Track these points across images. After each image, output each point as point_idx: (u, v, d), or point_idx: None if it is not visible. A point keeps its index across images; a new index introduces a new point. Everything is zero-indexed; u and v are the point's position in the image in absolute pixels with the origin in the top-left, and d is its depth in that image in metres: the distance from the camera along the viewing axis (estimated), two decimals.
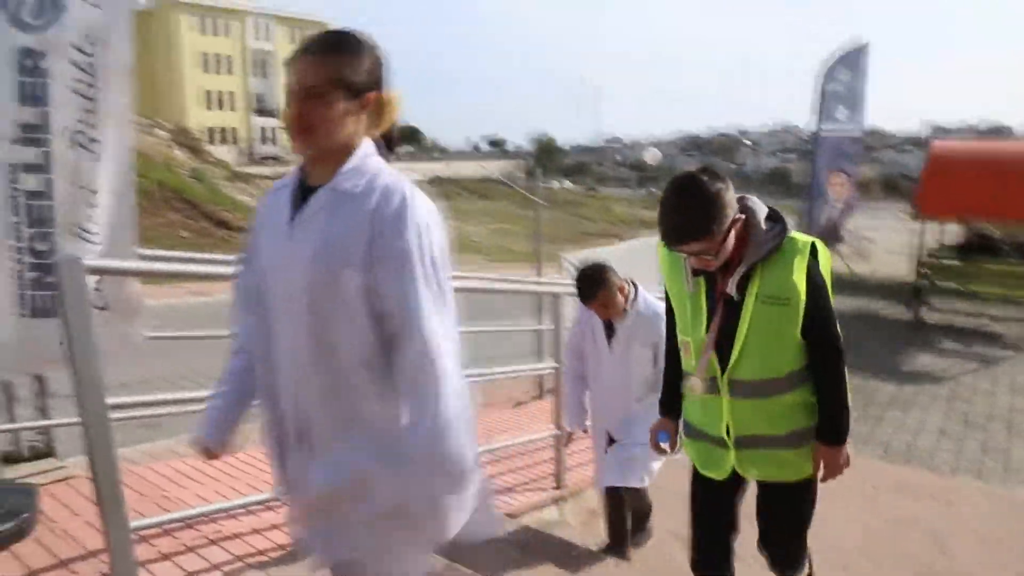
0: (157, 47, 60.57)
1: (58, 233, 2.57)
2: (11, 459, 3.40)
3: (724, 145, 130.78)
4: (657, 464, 3.37)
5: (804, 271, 2.11)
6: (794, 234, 2.16)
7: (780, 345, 2.15)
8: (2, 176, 2.47)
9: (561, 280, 6.72)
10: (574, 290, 3.35)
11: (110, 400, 2.19)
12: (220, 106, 62.37)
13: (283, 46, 65.03)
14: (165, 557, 2.71)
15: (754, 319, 2.14)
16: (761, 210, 2.18)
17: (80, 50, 2.55)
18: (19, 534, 2.68)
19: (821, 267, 2.15)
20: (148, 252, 4.78)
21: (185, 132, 33.86)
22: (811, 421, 2.22)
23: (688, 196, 2.03)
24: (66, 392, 2.30)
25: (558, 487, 4.37)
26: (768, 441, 2.23)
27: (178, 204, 24.14)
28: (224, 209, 25.74)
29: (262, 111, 64.68)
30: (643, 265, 9.94)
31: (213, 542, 2.87)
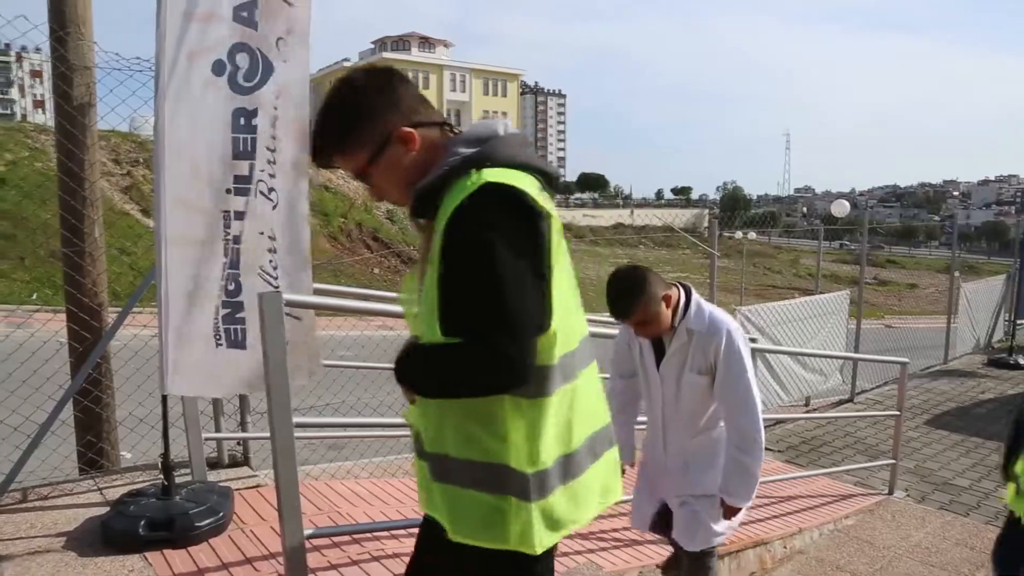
0: None
1: (243, 274, 2.87)
2: (214, 465, 3.87)
3: (928, 197, 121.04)
4: (722, 526, 2.81)
5: (444, 224, 1.34)
6: (487, 169, 1.35)
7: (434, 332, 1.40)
8: (220, 222, 2.80)
9: None
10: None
11: (296, 419, 2.47)
12: None
13: (478, 96, 68.63)
14: (332, 567, 2.97)
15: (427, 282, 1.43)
16: (475, 134, 1.45)
17: (273, 106, 2.82)
18: (216, 530, 3.06)
19: (488, 223, 1.29)
20: (329, 287, 5.27)
21: None
22: (482, 455, 1.41)
23: None
24: (263, 410, 2.62)
25: None
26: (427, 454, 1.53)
27: (373, 243, 25.97)
28: (414, 248, 27.34)
29: None
30: (832, 319, 9.44)
31: (375, 559, 3.11)
